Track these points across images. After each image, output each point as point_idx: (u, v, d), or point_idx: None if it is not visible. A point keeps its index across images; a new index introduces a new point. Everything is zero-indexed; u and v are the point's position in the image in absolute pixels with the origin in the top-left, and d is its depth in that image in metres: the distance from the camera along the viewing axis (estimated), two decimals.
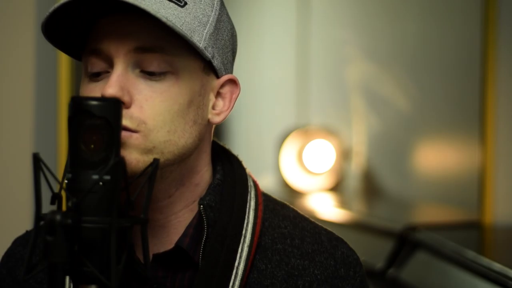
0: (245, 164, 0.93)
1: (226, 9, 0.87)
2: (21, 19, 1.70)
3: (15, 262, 0.92)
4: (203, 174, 0.88)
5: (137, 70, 0.79)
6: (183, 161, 0.84)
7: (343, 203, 2.58)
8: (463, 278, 1.55)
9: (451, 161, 2.39)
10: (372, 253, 1.79)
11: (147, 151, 0.78)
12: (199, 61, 0.82)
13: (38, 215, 0.63)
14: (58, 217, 0.61)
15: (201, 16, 0.81)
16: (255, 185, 0.92)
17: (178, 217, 0.86)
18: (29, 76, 1.70)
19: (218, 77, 0.85)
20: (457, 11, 2.38)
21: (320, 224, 0.93)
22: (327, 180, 2.58)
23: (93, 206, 0.63)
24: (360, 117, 2.62)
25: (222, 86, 0.86)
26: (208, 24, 0.82)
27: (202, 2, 0.83)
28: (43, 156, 0.64)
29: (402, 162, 2.50)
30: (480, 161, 2.18)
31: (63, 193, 0.64)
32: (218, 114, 0.86)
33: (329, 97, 2.84)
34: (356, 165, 2.60)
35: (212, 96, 0.85)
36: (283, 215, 0.91)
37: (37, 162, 0.63)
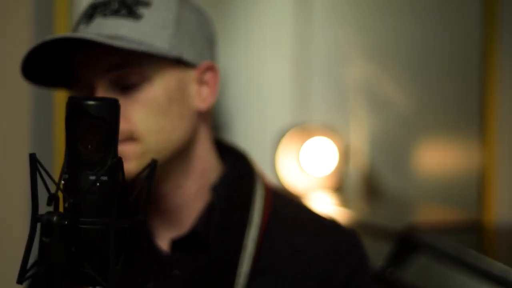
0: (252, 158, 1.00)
1: (187, 3, 0.93)
2: (17, 19, 1.70)
3: None
4: (209, 161, 0.95)
5: (116, 88, 0.87)
6: (183, 152, 0.91)
7: (343, 203, 2.57)
8: (464, 278, 1.55)
9: (452, 161, 2.38)
10: (372, 253, 1.79)
11: (143, 155, 0.86)
12: (169, 61, 0.88)
13: (35, 216, 0.63)
14: (55, 218, 0.60)
15: (159, 21, 0.88)
16: (262, 177, 0.99)
17: (190, 204, 0.94)
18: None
19: (195, 67, 0.91)
20: (458, 11, 2.38)
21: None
22: (326, 179, 2.57)
23: (90, 207, 0.63)
24: (359, 116, 2.62)
25: (202, 73, 0.92)
26: (169, 26, 0.89)
27: (158, 8, 0.89)
28: (38, 156, 0.64)
29: (403, 162, 2.50)
30: (481, 161, 2.18)
31: (60, 194, 0.64)
32: (203, 101, 0.92)
33: (328, 96, 2.84)
34: (355, 164, 2.59)
35: (194, 86, 0.92)
36: (290, 202, 0.99)
37: (34, 163, 0.63)
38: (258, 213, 0.93)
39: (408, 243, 1.77)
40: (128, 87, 0.86)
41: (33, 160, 0.63)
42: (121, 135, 0.81)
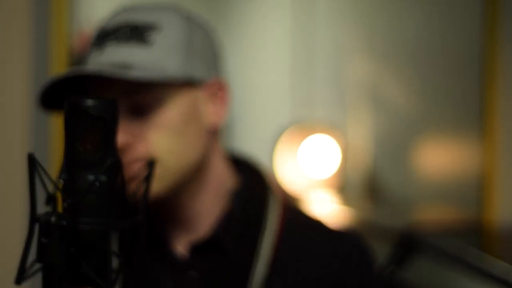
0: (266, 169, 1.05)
1: (193, 21, 0.95)
2: (15, 19, 1.70)
3: None
4: (223, 173, 0.98)
5: (131, 112, 0.89)
6: (199, 167, 0.94)
7: (343, 201, 2.57)
8: (465, 278, 1.54)
9: (454, 161, 2.38)
10: (373, 252, 1.78)
11: (163, 177, 0.89)
12: (181, 82, 0.91)
13: (33, 217, 0.63)
14: (53, 218, 0.60)
15: (170, 46, 0.90)
16: (277, 186, 1.03)
17: (206, 212, 0.96)
18: (23, 75, 1.70)
19: (205, 84, 0.94)
20: (459, 10, 2.37)
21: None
22: (327, 178, 2.57)
23: (89, 207, 0.63)
24: (360, 115, 2.62)
25: (213, 90, 0.95)
26: (180, 49, 0.91)
27: (168, 32, 0.91)
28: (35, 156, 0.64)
29: (404, 161, 2.50)
30: (483, 160, 2.17)
31: (59, 194, 0.63)
32: (216, 117, 0.95)
33: (329, 95, 2.83)
34: (356, 163, 2.59)
35: (206, 103, 0.94)
36: (303, 212, 1.03)
37: (33, 163, 0.63)
38: (273, 220, 0.96)
39: (409, 242, 1.77)
40: (143, 111, 0.89)
41: (32, 160, 0.63)
42: (140, 158, 0.87)
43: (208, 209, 0.97)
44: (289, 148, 2.57)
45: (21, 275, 0.63)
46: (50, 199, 0.64)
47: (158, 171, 0.86)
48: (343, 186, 2.60)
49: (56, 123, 1.77)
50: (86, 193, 0.62)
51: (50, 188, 0.64)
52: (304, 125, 2.63)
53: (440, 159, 2.42)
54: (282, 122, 2.73)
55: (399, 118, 2.53)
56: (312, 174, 2.56)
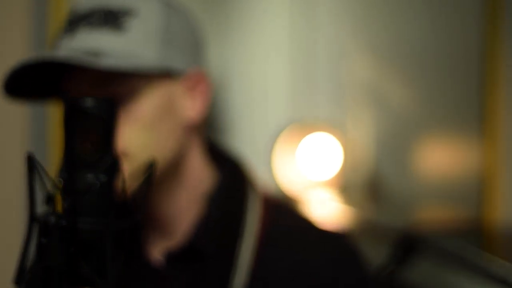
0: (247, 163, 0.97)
1: (173, 8, 0.89)
2: (13, 18, 1.69)
3: None
4: (202, 171, 0.92)
5: None
6: (175, 165, 0.88)
7: (344, 201, 2.57)
8: (466, 278, 1.54)
9: (455, 160, 2.38)
10: (373, 252, 1.78)
11: (135, 174, 0.81)
12: (157, 73, 0.84)
13: (32, 217, 0.62)
14: (52, 218, 0.60)
15: (147, 33, 0.83)
16: (258, 185, 0.95)
17: (183, 214, 0.91)
18: None
19: (184, 76, 0.87)
20: (459, 10, 2.37)
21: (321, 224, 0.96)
22: (327, 177, 2.57)
23: (89, 207, 0.62)
24: (359, 114, 2.62)
25: (192, 82, 0.88)
26: (157, 37, 0.84)
27: (146, 18, 0.84)
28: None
29: (405, 160, 2.49)
30: (485, 160, 2.17)
31: (58, 194, 0.63)
32: (194, 112, 0.89)
33: (329, 94, 2.83)
34: (356, 162, 2.59)
35: (184, 97, 0.88)
36: (289, 212, 0.96)
37: (32, 162, 0.62)
38: (254, 222, 0.90)
39: (410, 242, 1.77)
40: None
41: (31, 160, 0.62)
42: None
43: (183, 211, 0.90)
44: (288, 147, 2.57)
45: (21, 276, 0.63)
46: (49, 199, 0.63)
47: (129, 167, 0.81)
48: (343, 186, 2.60)
49: (54, 122, 1.77)
50: (86, 193, 0.62)
51: (49, 188, 0.64)
52: (303, 124, 2.63)
53: (441, 158, 2.42)
54: (281, 120, 2.73)
55: (399, 118, 2.53)
56: (312, 173, 2.55)
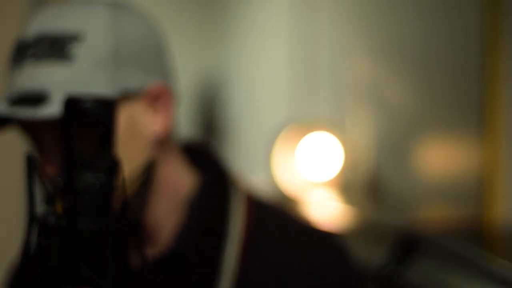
0: (230, 163, 0.95)
1: (125, 18, 0.83)
2: (11, 18, 1.69)
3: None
4: (178, 178, 0.89)
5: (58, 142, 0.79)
6: None
7: (344, 200, 2.57)
8: (466, 277, 1.54)
9: (455, 160, 2.38)
10: (372, 252, 1.78)
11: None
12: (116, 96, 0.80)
13: (32, 218, 0.62)
14: (52, 218, 0.60)
15: (96, 58, 0.79)
16: (240, 185, 0.93)
17: (163, 221, 0.88)
18: None
19: (142, 92, 0.83)
20: (459, 10, 2.37)
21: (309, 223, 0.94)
22: (328, 176, 2.56)
23: (88, 207, 0.62)
24: (359, 114, 2.62)
25: (151, 96, 0.84)
26: (108, 60, 0.80)
27: (93, 41, 0.80)
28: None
29: (405, 160, 2.49)
30: (485, 159, 2.17)
31: (57, 194, 0.63)
32: (158, 125, 0.85)
33: (327, 94, 2.83)
34: (355, 163, 2.59)
35: (144, 113, 0.84)
36: (275, 213, 0.93)
37: (31, 163, 0.62)
38: (236, 226, 0.88)
39: (410, 242, 1.77)
40: None
41: (30, 161, 0.62)
42: None
43: (164, 219, 0.87)
44: (288, 146, 2.56)
45: (20, 276, 0.63)
46: (49, 199, 0.63)
47: None
48: (343, 185, 2.60)
49: None
50: (86, 193, 0.62)
51: (49, 188, 0.64)
52: (303, 123, 2.63)
53: (441, 158, 2.42)
54: (280, 120, 2.73)
55: (399, 117, 2.53)
56: (312, 173, 2.55)
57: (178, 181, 0.89)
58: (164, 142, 0.87)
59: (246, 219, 0.89)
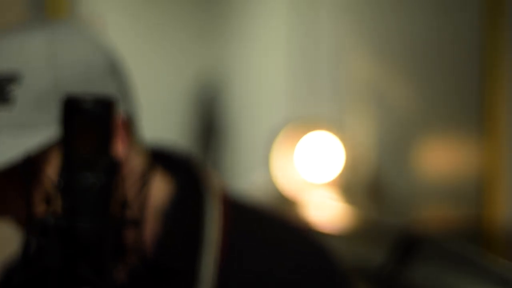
0: (205, 167, 0.92)
1: (65, 46, 0.77)
2: (10, 18, 1.70)
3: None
4: (155, 189, 0.86)
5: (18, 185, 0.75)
6: None
7: (344, 200, 2.57)
8: (466, 277, 1.54)
9: (455, 160, 2.38)
10: (372, 252, 1.78)
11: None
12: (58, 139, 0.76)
13: (31, 218, 0.62)
14: (51, 219, 0.60)
15: (37, 97, 0.74)
16: (216, 188, 0.90)
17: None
18: None
19: None
20: (460, 9, 2.37)
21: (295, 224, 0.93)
22: (328, 176, 2.56)
23: (87, 207, 0.62)
24: (359, 113, 2.61)
25: None
26: (49, 97, 0.75)
27: (31, 80, 0.75)
28: None
29: (405, 160, 2.49)
30: (485, 159, 2.17)
31: (57, 194, 0.63)
32: (117, 154, 0.78)
33: (327, 93, 2.83)
34: (355, 162, 2.59)
35: None
36: (254, 217, 0.91)
37: (30, 164, 0.62)
38: (212, 232, 0.86)
39: (410, 242, 1.76)
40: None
41: (29, 162, 0.62)
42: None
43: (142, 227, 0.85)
44: (287, 145, 2.56)
45: (20, 276, 0.63)
46: (48, 199, 0.63)
47: None
48: (343, 185, 2.60)
49: None
50: (85, 193, 0.62)
51: (48, 188, 0.64)
52: (303, 122, 2.62)
53: (441, 158, 2.42)
54: (280, 119, 2.72)
55: (400, 117, 2.53)
56: (311, 173, 2.55)
57: (151, 193, 0.85)
58: (127, 160, 0.82)
59: (222, 224, 0.87)
